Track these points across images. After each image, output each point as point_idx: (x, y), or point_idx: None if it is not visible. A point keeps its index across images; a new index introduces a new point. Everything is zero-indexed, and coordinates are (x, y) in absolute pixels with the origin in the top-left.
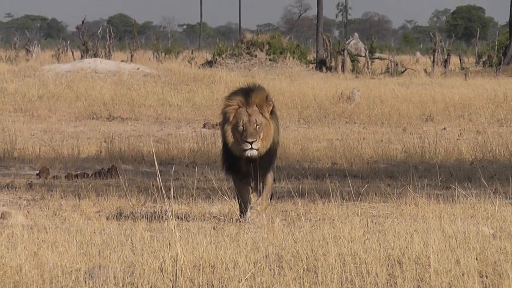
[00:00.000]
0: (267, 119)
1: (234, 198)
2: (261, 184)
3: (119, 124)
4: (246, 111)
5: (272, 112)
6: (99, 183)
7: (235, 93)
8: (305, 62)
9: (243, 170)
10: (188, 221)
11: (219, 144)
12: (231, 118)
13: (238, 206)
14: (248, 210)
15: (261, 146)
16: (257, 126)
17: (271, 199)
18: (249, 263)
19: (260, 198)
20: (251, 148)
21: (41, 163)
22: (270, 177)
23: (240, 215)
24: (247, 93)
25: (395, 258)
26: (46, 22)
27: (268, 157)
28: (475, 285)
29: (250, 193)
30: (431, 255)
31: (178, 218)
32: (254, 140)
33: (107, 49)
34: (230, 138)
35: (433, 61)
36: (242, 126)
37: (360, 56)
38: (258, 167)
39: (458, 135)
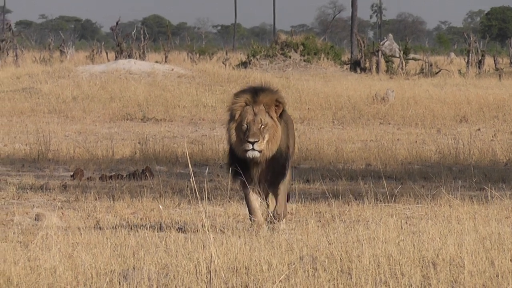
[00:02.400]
0: (274, 121)
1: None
2: (275, 190)
3: (153, 125)
4: (252, 109)
5: (283, 115)
6: (133, 184)
7: (243, 91)
8: (339, 63)
9: (250, 174)
10: (222, 223)
11: (225, 145)
12: (236, 116)
13: (248, 214)
14: (269, 217)
15: (266, 149)
16: (262, 127)
17: (288, 200)
18: (283, 264)
19: (276, 205)
20: (253, 149)
21: (75, 165)
22: (285, 181)
23: (250, 217)
24: (255, 92)
25: (429, 260)
26: (80, 23)
27: (278, 163)
28: (510, 287)
29: (260, 198)
30: (465, 257)
31: (213, 219)
32: (256, 140)
33: (142, 50)
34: (234, 137)
35: (467, 62)
36: (246, 125)
37: (394, 57)
38: (267, 172)
39: (492, 136)
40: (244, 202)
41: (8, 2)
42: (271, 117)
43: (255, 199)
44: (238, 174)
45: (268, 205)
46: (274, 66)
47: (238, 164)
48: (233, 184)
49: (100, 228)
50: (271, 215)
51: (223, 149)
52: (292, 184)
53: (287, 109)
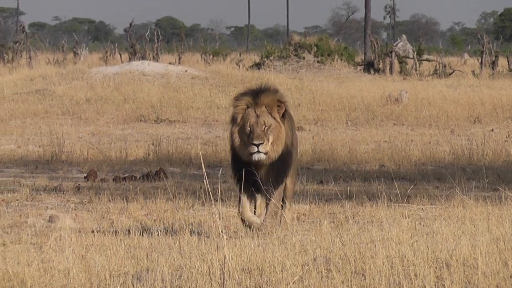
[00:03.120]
0: (278, 121)
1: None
2: (272, 192)
3: (167, 126)
4: (254, 111)
5: (285, 115)
6: (147, 186)
7: (244, 93)
8: (353, 64)
9: (254, 177)
10: (236, 224)
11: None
12: (238, 119)
13: (237, 208)
14: (263, 218)
15: (271, 150)
16: (266, 128)
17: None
18: (297, 265)
19: (269, 207)
20: (258, 152)
21: (89, 166)
22: (290, 184)
23: (240, 215)
24: (256, 93)
25: (443, 261)
26: (94, 24)
27: (283, 164)
28: None
29: (258, 201)
30: (479, 258)
31: (226, 221)
32: (261, 142)
33: (155, 52)
34: (237, 141)
35: (481, 63)
36: (249, 127)
37: (408, 58)
38: (271, 172)
39: (506, 137)
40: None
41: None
42: (274, 118)
43: (248, 201)
44: (242, 179)
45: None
46: (287, 67)
47: (242, 168)
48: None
49: (113, 229)
50: (267, 217)
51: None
52: (295, 184)
53: (290, 108)
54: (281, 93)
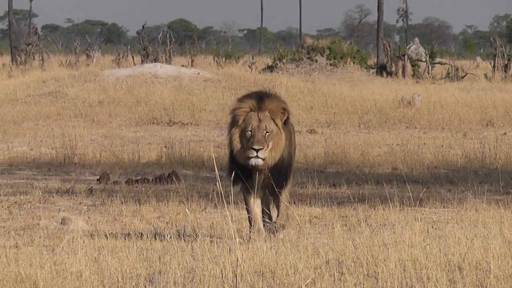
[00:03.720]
0: (279, 128)
1: (243, 209)
2: (277, 199)
3: (179, 129)
4: (257, 115)
5: (287, 123)
6: (159, 188)
7: (248, 96)
8: (365, 67)
9: (251, 181)
10: (248, 227)
11: (226, 150)
12: (240, 121)
13: (248, 219)
14: (271, 226)
15: (269, 157)
16: (267, 134)
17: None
18: (309, 268)
19: (278, 216)
20: (257, 157)
21: (102, 169)
22: (286, 190)
23: (250, 228)
24: (261, 97)
25: (455, 264)
26: (106, 27)
27: (280, 171)
28: None
29: (261, 205)
30: (492, 261)
31: (238, 223)
32: (261, 148)
33: (168, 54)
34: (236, 143)
35: (494, 66)
36: (251, 131)
37: (421, 61)
38: (268, 180)
39: None
40: (244, 206)
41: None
42: (276, 125)
43: (257, 206)
44: (238, 180)
45: (269, 214)
46: (300, 70)
47: (239, 170)
48: (235, 190)
49: (126, 232)
50: (273, 225)
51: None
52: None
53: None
54: (285, 102)
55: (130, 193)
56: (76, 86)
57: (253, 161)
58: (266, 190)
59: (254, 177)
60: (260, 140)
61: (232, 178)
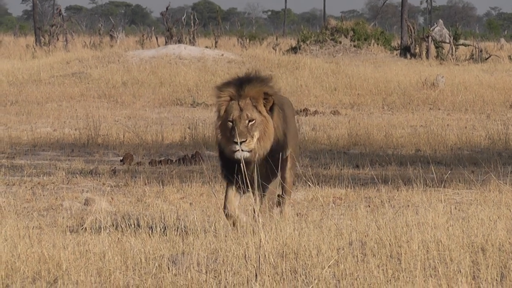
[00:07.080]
0: (264, 115)
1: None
2: (265, 187)
3: (203, 110)
4: (238, 104)
5: (273, 108)
6: (182, 169)
7: (227, 83)
8: (389, 48)
9: (243, 175)
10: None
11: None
12: (221, 113)
13: (223, 200)
14: (255, 214)
15: (258, 147)
16: (250, 123)
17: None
18: (332, 250)
19: (261, 205)
20: (241, 150)
21: (125, 149)
22: (289, 177)
23: (224, 210)
24: (240, 84)
25: (478, 245)
26: (131, 8)
27: (274, 160)
28: None
29: (240, 196)
30: None
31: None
32: (244, 140)
33: (192, 35)
34: (220, 136)
35: None
36: (232, 122)
37: (445, 42)
38: (261, 170)
39: None
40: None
41: None
42: (260, 112)
43: (235, 196)
44: (231, 176)
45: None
46: (324, 52)
47: (231, 165)
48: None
49: (149, 213)
50: (255, 214)
51: None
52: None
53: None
54: (270, 82)
55: (153, 174)
56: (100, 67)
57: (238, 155)
58: (261, 179)
59: (247, 171)
60: (242, 132)
61: (222, 171)
